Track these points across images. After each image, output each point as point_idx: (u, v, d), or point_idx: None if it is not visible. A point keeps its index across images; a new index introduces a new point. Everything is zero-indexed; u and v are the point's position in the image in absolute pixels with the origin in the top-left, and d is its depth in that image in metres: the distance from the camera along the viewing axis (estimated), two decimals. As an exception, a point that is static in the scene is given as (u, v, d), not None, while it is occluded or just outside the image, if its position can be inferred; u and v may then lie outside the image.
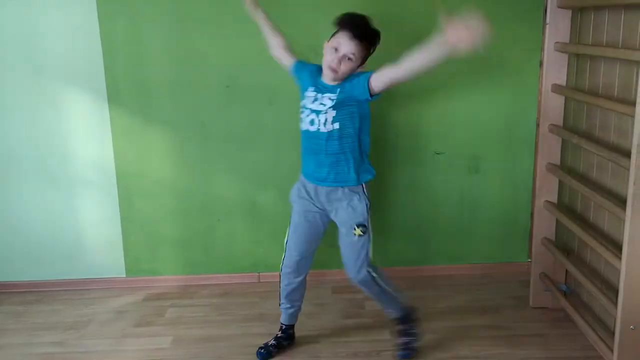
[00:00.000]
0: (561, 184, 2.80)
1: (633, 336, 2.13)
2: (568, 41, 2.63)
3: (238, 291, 3.19)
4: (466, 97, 3.09)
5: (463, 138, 3.16)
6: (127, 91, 3.01)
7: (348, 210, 2.38)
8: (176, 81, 3.01)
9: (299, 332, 2.70)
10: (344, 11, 2.34)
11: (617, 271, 2.15)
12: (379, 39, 2.35)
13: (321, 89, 2.33)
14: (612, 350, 2.21)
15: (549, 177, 2.79)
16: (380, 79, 2.24)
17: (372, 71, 2.26)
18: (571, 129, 2.68)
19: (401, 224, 3.27)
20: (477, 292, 3.12)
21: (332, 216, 2.43)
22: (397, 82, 2.25)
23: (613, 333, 2.23)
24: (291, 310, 2.60)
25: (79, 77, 2.99)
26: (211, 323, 2.88)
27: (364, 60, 2.32)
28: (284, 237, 2.51)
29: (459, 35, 1.89)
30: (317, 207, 2.43)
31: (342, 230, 2.41)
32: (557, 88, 2.68)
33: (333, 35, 2.31)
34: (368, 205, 2.39)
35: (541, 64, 2.84)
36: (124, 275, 3.26)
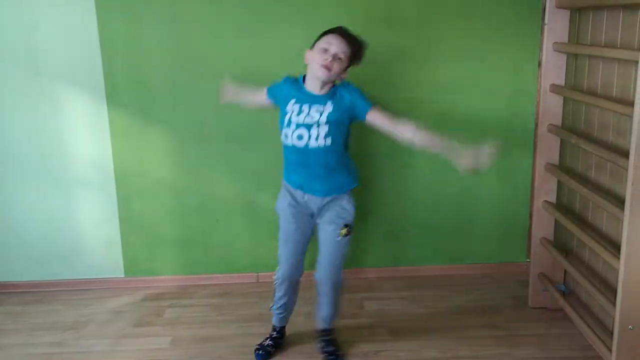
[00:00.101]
0: (560, 184, 2.81)
1: (631, 336, 2.13)
2: (566, 41, 2.64)
3: (237, 291, 3.19)
4: (465, 97, 3.09)
5: (462, 138, 3.15)
6: (126, 91, 3.01)
7: (337, 210, 2.38)
8: (175, 81, 3.01)
9: (297, 332, 2.70)
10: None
11: (616, 271, 2.15)
12: (364, 50, 2.34)
13: (306, 99, 2.29)
14: (610, 350, 2.21)
15: (548, 177, 2.79)
16: (374, 119, 2.29)
17: (371, 103, 2.29)
18: (570, 129, 2.68)
19: (400, 224, 3.27)
20: (476, 292, 3.12)
21: (318, 218, 2.42)
22: (384, 131, 2.31)
23: (611, 333, 2.23)
24: (284, 315, 2.60)
25: (78, 77, 2.99)
26: (210, 323, 2.88)
27: (348, 66, 2.31)
28: None
29: (468, 162, 2.20)
30: (306, 212, 2.42)
31: (329, 228, 2.38)
32: (555, 88, 2.68)
33: (317, 41, 2.30)
34: (355, 209, 2.41)
35: (540, 64, 2.84)
36: (123, 276, 3.26)
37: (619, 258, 2.12)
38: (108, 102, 3.02)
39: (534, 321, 2.82)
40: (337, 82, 2.32)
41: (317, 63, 2.24)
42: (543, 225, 2.86)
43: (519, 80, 3.09)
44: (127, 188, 3.14)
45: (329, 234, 2.38)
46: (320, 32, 2.34)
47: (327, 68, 2.23)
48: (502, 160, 3.19)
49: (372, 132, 3.08)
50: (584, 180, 2.59)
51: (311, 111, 2.27)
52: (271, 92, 2.45)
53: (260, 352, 2.57)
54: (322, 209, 2.39)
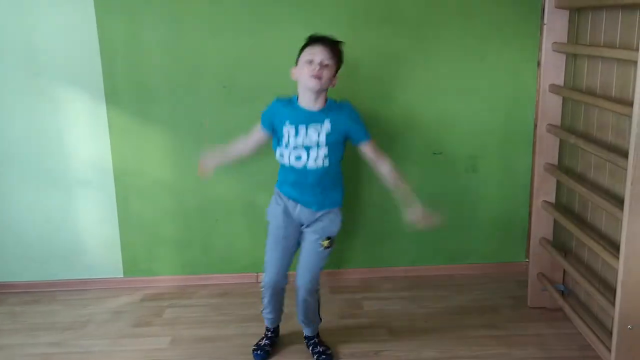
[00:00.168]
0: (559, 184, 2.81)
1: (631, 336, 2.13)
2: (566, 41, 2.64)
3: (237, 291, 3.19)
4: (464, 97, 3.10)
5: (461, 138, 3.16)
6: (125, 91, 3.01)
7: (325, 222, 2.41)
8: (174, 81, 3.01)
9: (295, 331, 2.71)
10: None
11: (615, 271, 2.15)
12: (342, 49, 2.34)
13: (302, 118, 2.29)
14: (609, 350, 2.21)
15: (547, 177, 2.80)
16: (365, 150, 2.40)
17: (369, 135, 2.38)
18: (569, 129, 2.68)
19: (400, 224, 3.26)
20: (475, 292, 3.12)
21: (305, 227, 2.44)
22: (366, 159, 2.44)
23: (611, 333, 2.23)
24: (274, 317, 2.60)
25: (77, 77, 2.99)
26: (210, 323, 2.88)
27: (336, 71, 2.31)
28: None
29: (417, 219, 2.42)
30: (296, 222, 2.43)
31: (312, 237, 2.41)
32: (554, 88, 2.68)
33: (299, 56, 2.30)
34: (341, 224, 2.45)
35: (539, 64, 2.84)
36: (122, 276, 3.26)
37: (618, 258, 2.12)
38: (107, 102, 3.02)
39: (533, 321, 2.82)
40: (331, 88, 2.32)
41: (307, 75, 2.24)
42: (542, 225, 2.86)
43: (518, 80, 3.09)
44: (127, 188, 3.14)
45: (312, 243, 2.41)
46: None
47: (317, 77, 2.23)
48: (502, 160, 3.21)
49: (375, 131, 3.10)
50: (583, 180, 2.59)
51: (309, 131, 2.29)
52: (265, 121, 2.39)
53: (259, 352, 2.57)
54: (312, 220, 2.42)
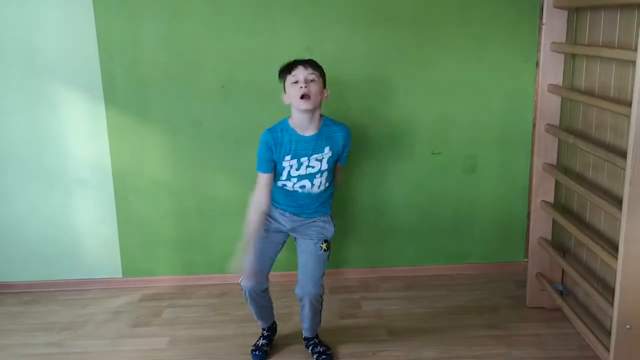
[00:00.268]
0: (557, 184, 2.81)
1: (629, 335, 2.13)
2: (564, 41, 2.64)
3: (235, 291, 3.16)
4: (463, 97, 3.10)
5: (460, 138, 3.16)
6: (124, 90, 3.01)
7: (319, 228, 2.43)
8: (173, 81, 3.01)
9: (293, 331, 2.72)
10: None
11: (613, 271, 2.15)
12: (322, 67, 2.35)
13: (302, 150, 2.30)
14: (608, 350, 2.21)
15: (546, 177, 2.80)
16: (337, 168, 2.47)
17: (346, 158, 2.46)
18: (567, 129, 2.68)
19: (399, 224, 3.27)
20: (474, 292, 3.12)
21: (295, 233, 2.45)
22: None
23: (609, 333, 2.24)
24: (264, 319, 2.60)
25: (76, 76, 2.99)
26: (208, 323, 2.88)
27: (324, 84, 2.32)
28: None
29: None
30: (284, 230, 2.44)
31: (310, 242, 2.42)
32: (553, 88, 2.68)
33: (284, 82, 2.31)
34: (335, 228, 2.48)
35: (537, 64, 2.85)
36: (121, 276, 3.26)
37: (616, 258, 2.12)
38: (106, 101, 3.02)
39: (532, 321, 2.82)
40: (324, 101, 2.32)
41: (296, 97, 2.24)
42: (541, 225, 2.86)
43: (517, 80, 3.09)
44: (125, 188, 3.14)
45: (312, 248, 2.42)
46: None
47: (306, 95, 2.23)
48: (500, 160, 3.21)
49: (374, 131, 3.10)
50: (581, 180, 2.59)
51: (311, 162, 2.32)
52: (266, 164, 2.33)
53: (257, 352, 2.57)
54: (301, 227, 2.42)
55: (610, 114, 2.36)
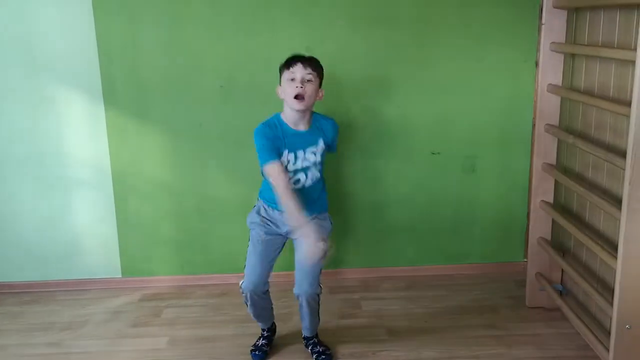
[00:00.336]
0: (557, 184, 2.81)
1: (629, 335, 2.13)
2: (564, 41, 2.64)
3: (235, 291, 3.15)
4: (462, 97, 3.10)
5: (459, 138, 3.16)
6: (123, 91, 3.01)
7: (315, 226, 2.38)
8: (172, 81, 3.01)
9: (293, 331, 2.72)
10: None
11: (613, 271, 2.16)
12: (322, 68, 2.36)
13: (297, 143, 2.31)
14: (608, 350, 2.21)
15: (545, 177, 2.80)
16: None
17: (335, 147, 2.50)
18: (567, 129, 2.68)
19: (399, 224, 3.27)
20: (474, 292, 3.13)
21: (293, 235, 2.43)
22: None
23: (609, 332, 2.24)
24: (263, 320, 2.60)
25: (75, 77, 2.99)
26: (208, 323, 2.88)
27: (320, 84, 2.33)
28: None
29: (307, 244, 2.23)
30: (279, 230, 2.43)
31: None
32: (552, 88, 2.68)
33: (281, 75, 2.32)
34: (332, 226, 2.48)
35: (537, 64, 2.85)
36: (120, 276, 3.26)
37: (616, 257, 2.12)
38: (105, 102, 3.02)
39: (531, 321, 2.82)
40: (318, 101, 2.34)
41: (290, 96, 2.26)
42: (540, 225, 2.86)
43: (516, 80, 3.10)
44: (125, 188, 3.14)
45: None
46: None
47: (300, 96, 2.25)
48: (500, 160, 3.21)
49: (374, 131, 3.10)
50: (581, 180, 2.59)
51: (306, 154, 2.35)
52: (274, 152, 2.29)
53: (257, 352, 2.57)
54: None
55: (610, 114, 2.36)
